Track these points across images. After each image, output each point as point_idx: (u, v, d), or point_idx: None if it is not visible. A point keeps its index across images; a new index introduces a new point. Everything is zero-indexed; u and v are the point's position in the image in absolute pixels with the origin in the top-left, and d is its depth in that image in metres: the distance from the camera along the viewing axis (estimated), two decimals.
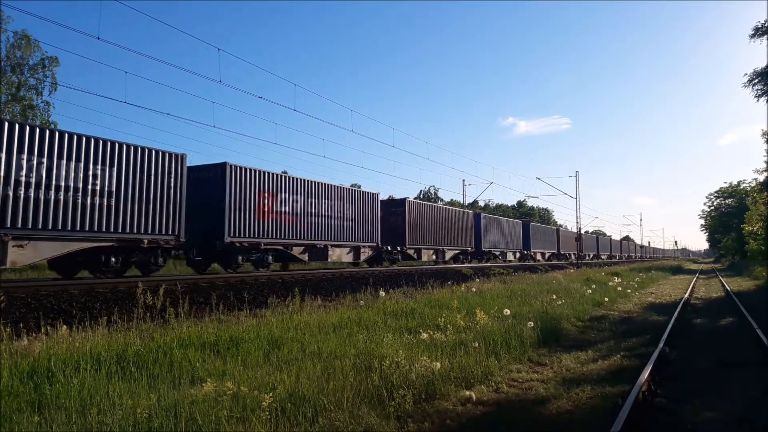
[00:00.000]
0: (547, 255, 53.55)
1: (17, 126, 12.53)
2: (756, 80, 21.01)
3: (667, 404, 5.72)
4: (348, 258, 24.69)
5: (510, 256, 44.47)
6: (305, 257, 21.73)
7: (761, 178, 34.07)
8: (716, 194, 66.02)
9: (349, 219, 24.41)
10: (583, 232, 64.87)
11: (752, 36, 20.71)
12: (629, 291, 19.72)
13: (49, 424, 4.12)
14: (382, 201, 27.79)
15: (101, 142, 14.10)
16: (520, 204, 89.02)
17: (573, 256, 59.15)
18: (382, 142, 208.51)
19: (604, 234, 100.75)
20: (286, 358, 6.45)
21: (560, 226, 77.39)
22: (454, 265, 30.83)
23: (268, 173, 19.84)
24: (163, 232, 15.61)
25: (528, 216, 79.45)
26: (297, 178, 21.44)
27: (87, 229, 13.56)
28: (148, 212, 15.14)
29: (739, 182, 60.31)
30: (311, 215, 21.85)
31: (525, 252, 47.49)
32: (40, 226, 12.60)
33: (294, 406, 4.55)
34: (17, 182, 12.25)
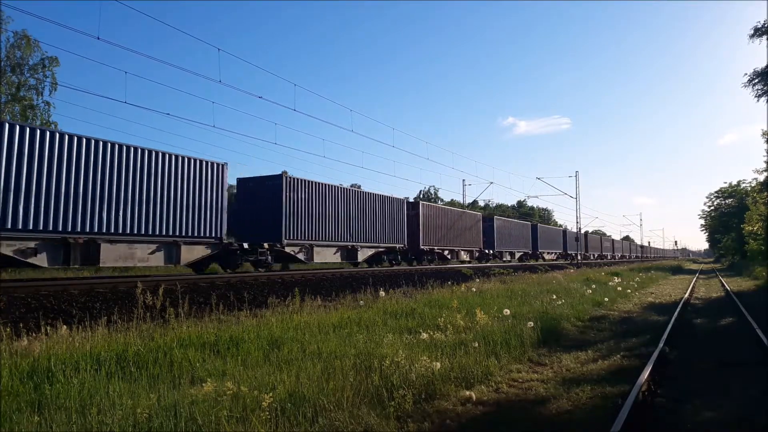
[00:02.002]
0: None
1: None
2: (756, 80, 21.02)
3: (667, 404, 5.72)
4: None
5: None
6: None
7: (761, 178, 34.13)
8: (716, 194, 66.07)
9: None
10: (583, 232, 64.91)
11: (752, 36, 20.72)
12: (629, 291, 19.72)
13: (49, 424, 4.12)
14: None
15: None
16: (520, 204, 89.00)
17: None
18: (382, 142, 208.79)
19: (604, 234, 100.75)
20: (286, 358, 6.45)
21: (560, 226, 77.35)
22: (454, 265, 30.90)
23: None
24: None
25: (528, 216, 79.45)
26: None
27: None
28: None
29: (739, 182, 60.41)
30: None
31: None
32: None
33: (294, 406, 4.55)
34: None
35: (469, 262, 35.78)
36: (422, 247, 29.60)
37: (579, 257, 51.68)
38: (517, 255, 45.85)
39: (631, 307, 15.32)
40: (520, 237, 46.32)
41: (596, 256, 71.73)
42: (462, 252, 35.12)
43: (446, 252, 32.89)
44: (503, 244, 42.13)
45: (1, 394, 4.71)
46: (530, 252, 48.71)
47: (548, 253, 53.30)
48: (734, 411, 5.53)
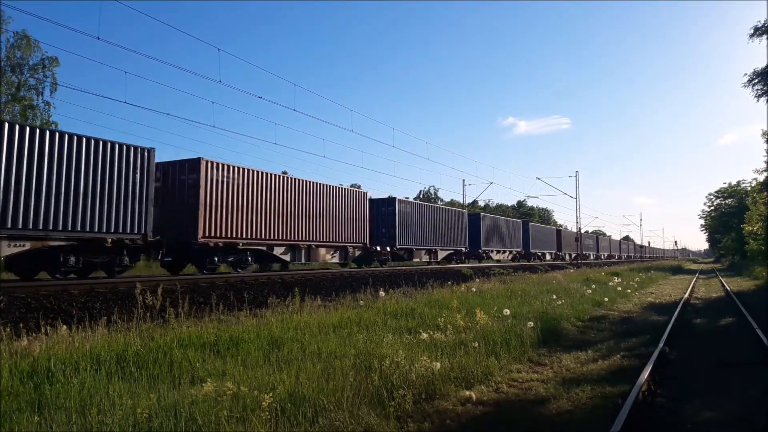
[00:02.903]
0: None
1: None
2: (756, 80, 21.00)
3: (667, 404, 5.72)
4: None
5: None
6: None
7: (761, 178, 34.24)
8: (716, 194, 66.18)
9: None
10: (583, 232, 64.29)
11: (752, 36, 20.70)
12: (629, 291, 19.72)
13: (49, 424, 4.12)
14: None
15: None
16: (520, 204, 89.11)
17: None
18: (382, 142, 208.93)
19: (604, 234, 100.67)
20: (286, 358, 6.45)
21: (561, 226, 77.10)
22: (453, 265, 30.70)
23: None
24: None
25: (528, 216, 79.26)
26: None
27: None
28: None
29: (738, 182, 60.55)
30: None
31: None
32: None
33: (294, 406, 4.55)
34: None
35: (341, 265, 24.24)
36: (203, 239, 16.72)
37: (572, 257, 48.62)
38: (443, 254, 32.76)
39: (631, 307, 15.32)
40: (447, 230, 33.31)
41: (573, 256, 58.85)
42: (322, 249, 22.34)
43: (279, 249, 19.86)
44: (416, 239, 29.55)
45: (1, 394, 4.71)
46: (466, 250, 35.82)
47: (498, 251, 41.14)
48: (734, 411, 5.53)
